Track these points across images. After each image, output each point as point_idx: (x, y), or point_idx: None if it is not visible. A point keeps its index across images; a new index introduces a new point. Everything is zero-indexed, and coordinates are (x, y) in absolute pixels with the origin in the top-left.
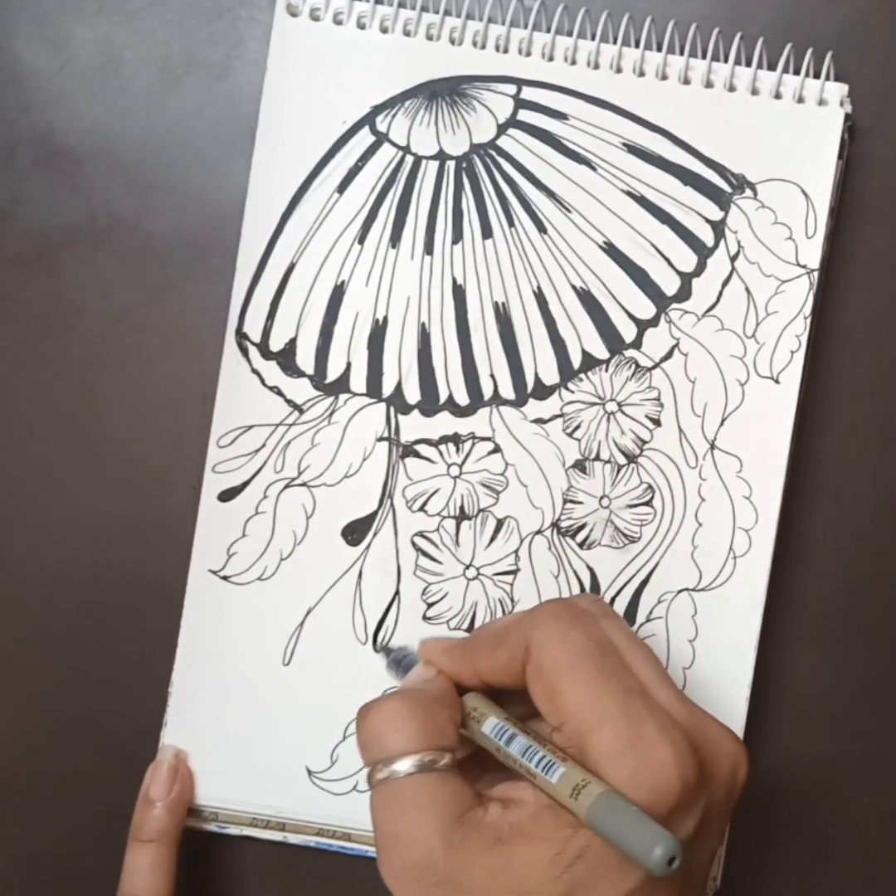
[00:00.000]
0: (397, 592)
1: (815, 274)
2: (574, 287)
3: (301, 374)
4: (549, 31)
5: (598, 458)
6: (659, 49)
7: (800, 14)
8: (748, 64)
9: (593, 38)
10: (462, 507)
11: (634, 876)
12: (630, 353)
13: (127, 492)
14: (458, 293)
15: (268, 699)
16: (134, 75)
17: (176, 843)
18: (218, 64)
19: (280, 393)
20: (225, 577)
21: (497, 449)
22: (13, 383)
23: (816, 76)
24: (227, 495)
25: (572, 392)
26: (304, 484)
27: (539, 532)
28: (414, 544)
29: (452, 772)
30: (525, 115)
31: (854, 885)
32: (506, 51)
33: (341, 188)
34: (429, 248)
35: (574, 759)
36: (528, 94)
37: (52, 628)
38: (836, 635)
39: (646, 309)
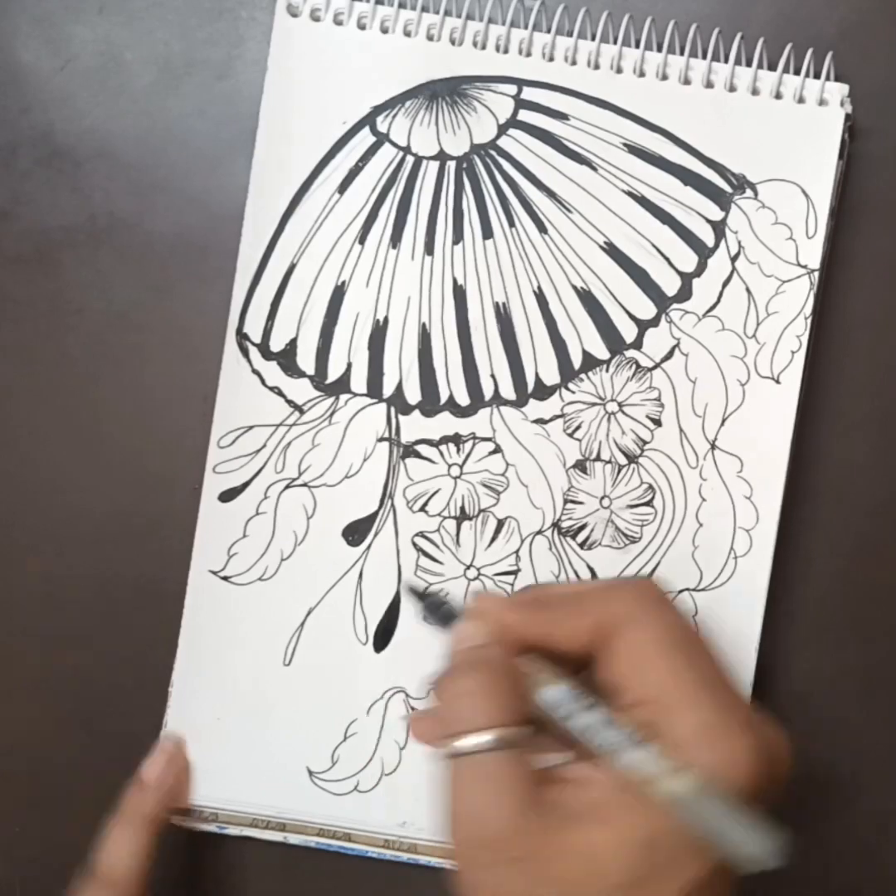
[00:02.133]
0: (398, 593)
1: (816, 274)
2: (575, 287)
3: (302, 374)
4: (549, 31)
5: (598, 458)
6: (659, 49)
7: (800, 14)
8: (748, 64)
9: (593, 39)
10: (463, 508)
11: (703, 865)
12: (631, 353)
13: (127, 492)
14: (459, 293)
15: (268, 700)
16: (134, 75)
17: (158, 832)
18: (218, 64)
19: (281, 393)
20: (225, 578)
21: (498, 449)
22: (13, 383)
23: (817, 76)
24: (227, 496)
25: (573, 392)
26: (304, 484)
27: (540, 532)
28: (415, 544)
29: (526, 748)
30: (525, 116)
31: (854, 884)
32: (506, 51)
33: (342, 188)
34: (429, 249)
35: (649, 738)
36: (529, 94)
37: (53, 628)
38: (836, 635)
39: (646, 309)
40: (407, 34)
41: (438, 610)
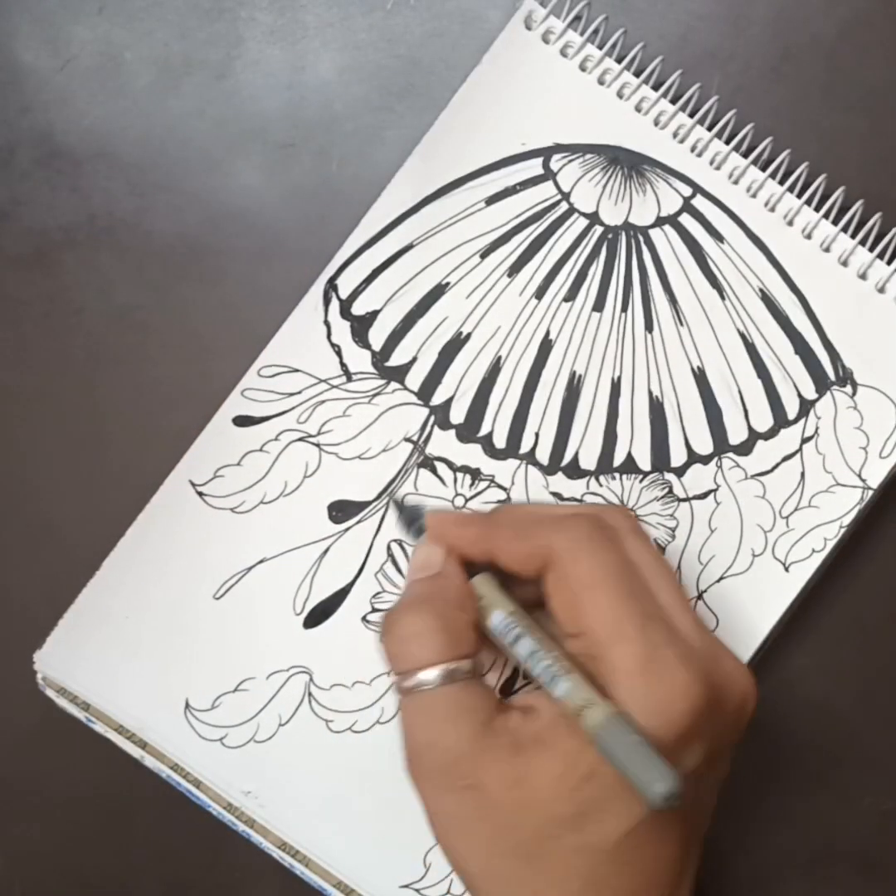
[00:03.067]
0: (352, 584)
1: (870, 492)
2: (650, 392)
3: (368, 346)
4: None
5: None
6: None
7: (800, 14)
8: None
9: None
10: None
11: (643, 807)
12: (670, 476)
13: (127, 492)
14: (544, 347)
15: (182, 621)
16: (134, 75)
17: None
18: (218, 64)
19: (339, 353)
20: (201, 494)
21: (507, 502)
22: (13, 383)
23: None
24: (241, 421)
25: (601, 485)
26: (317, 444)
27: None
28: (388, 548)
29: (476, 678)
30: (687, 221)
31: (854, 884)
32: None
33: (490, 201)
34: (540, 293)
35: (584, 669)
36: (700, 202)
37: (53, 628)
38: (836, 635)
39: (704, 445)
40: (620, 96)
41: (412, 524)
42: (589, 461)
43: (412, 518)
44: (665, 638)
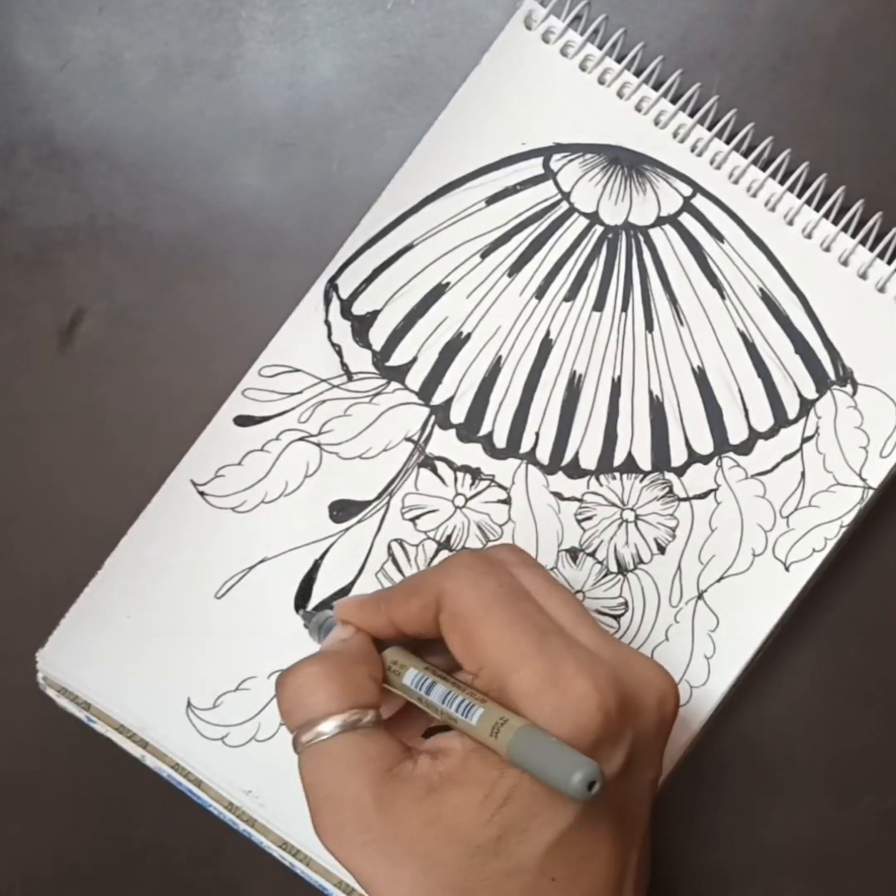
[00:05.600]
0: (353, 583)
1: (870, 492)
2: (651, 392)
3: (368, 346)
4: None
5: (593, 554)
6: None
7: (800, 14)
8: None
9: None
10: (449, 537)
11: (567, 813)
12: (670, 476)
13: (128, 491)
14: (545, 346)
15: (183, 620)
16: (134, 75)
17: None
18: (218, 64)
19: (340, 353)
20: (202, 493)
21: (507, 501)
22: (13, 383)
23: None
24: (242, 421)
25: (601, 484)
26: (318, 444)
27: None
28: (389, 548)
29: (377, 728)
30: (687, 220)
31: (854, 884)
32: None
33: (490, 201)
34: (540, 293)
35: (495, 701)
36: (700, 201)
37: (53, 628)
38: (836, 635)
39: (704, 444)
40: (620, 95)
41: (321, 627)
42: (589, 461)
43: (321, 621)
44: (563, 650)
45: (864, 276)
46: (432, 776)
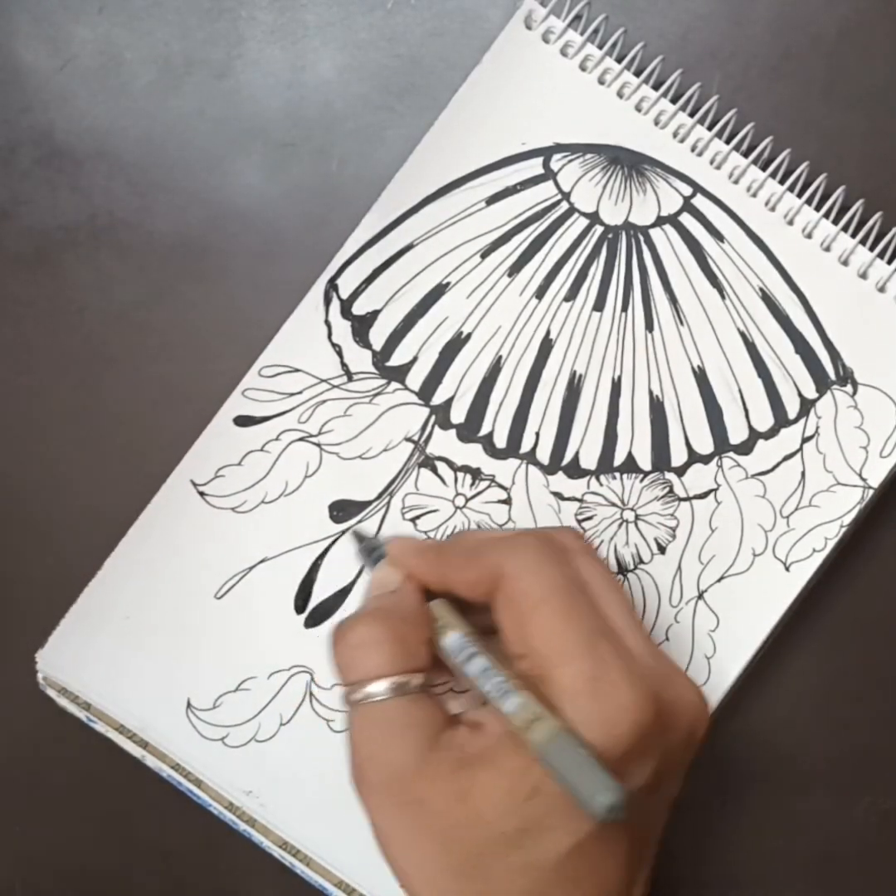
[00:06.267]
0: (353, 584)
1: (871, 492)
2: (650, 391)
3: (368, 346)
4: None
5: None
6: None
7: (800, 14)
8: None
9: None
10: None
11: (587, 823)
12: (670, 476)
13: (128, 491)
14: (545, 346)
15: (183, 620)
16: (134, 75)
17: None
18: (218, 64)
19: (340, 353)
20: (202, 494)
21: (508, 501)
22: (13, 383)
23: None
24: (242, 421)
25: (602, 484)
26: (318, 444)
27: None
28: None
29: (426, 693)
30: (687, 220)
31: (854, 884)
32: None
33: (490, 201)
34: (539, 293)
35: (534, 689)
36: (700, 201)
37: (53, 628)
38: (836, 635)
39: (705, 444)
40: (620, 95)
41: (371, 553)
42: (589, 461)
43: (372, 547)
44: (612, 655)
45: (864, 275)
46: (469, 750)
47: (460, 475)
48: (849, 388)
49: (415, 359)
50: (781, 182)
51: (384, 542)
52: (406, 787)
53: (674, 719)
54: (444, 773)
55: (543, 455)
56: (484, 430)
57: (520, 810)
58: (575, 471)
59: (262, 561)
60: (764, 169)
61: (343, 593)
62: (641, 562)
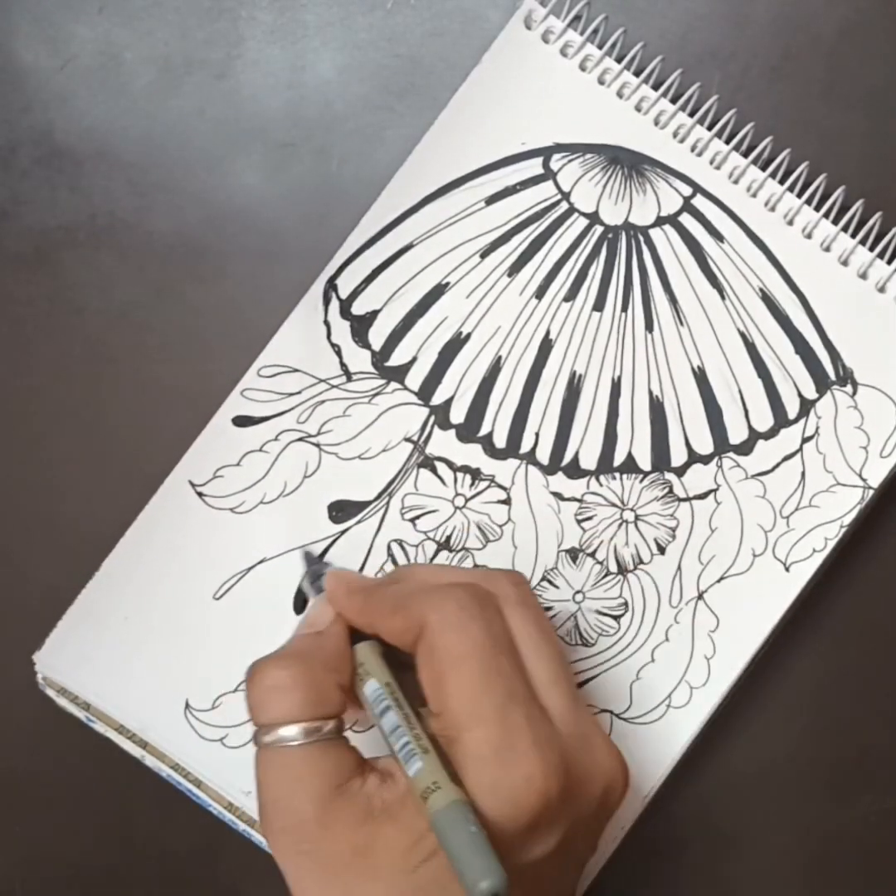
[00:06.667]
0: None
1: (871, 492)
2: (650, 391)
3: (367, 346)
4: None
5: (593, 555)
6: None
7: (800, 14)
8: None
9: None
10: (449, 538)
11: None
12: (670, 476)
13: (127, 491)
14: (545, 346)
15: (181, 621)
16: (134, 75)
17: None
18: (218, 64)
19: (339, 353)
20: (200, 494)
21: (507, 501)
22: (13, 383)
23: None
24: (241, 421)
25: (601, 485)
26: (317, 444)
27: None
28: (389, 548)
29: (336, 739)
30: (687, 220)
31: (855, 884)
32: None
33: (490, 201)
34: (540, 293)
35: (444, 749)
36: (700, 201)
37: (53, 628)
38: (836, 636)
39: (704, 444)
40: (620, 95)
41: (315, 579)
42: (589, 461)
43: (317, 574)
44: (524, 721)
45: (864, 276)
46: (375, 802)
47: (460, 475)
48: (849, 388)
49: (414, 359)
50: (781, 182)
51: (326, 570)
52: (307, 835)
53: (586, 786)
54: (347, 823)
55: (543, 455)
56: (483, 431)
57: (415, 872)
58: (575, 471)
59: (260, 561)
60: (764, 169)
61: None
62: (641, 562)
